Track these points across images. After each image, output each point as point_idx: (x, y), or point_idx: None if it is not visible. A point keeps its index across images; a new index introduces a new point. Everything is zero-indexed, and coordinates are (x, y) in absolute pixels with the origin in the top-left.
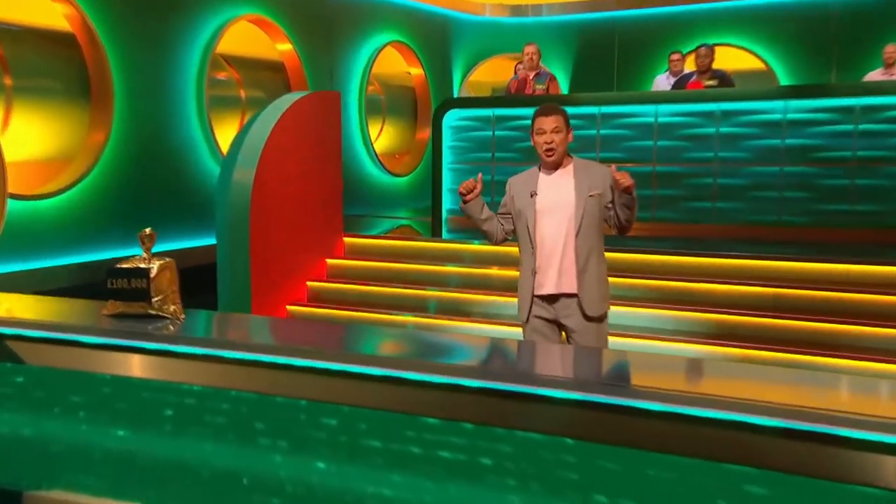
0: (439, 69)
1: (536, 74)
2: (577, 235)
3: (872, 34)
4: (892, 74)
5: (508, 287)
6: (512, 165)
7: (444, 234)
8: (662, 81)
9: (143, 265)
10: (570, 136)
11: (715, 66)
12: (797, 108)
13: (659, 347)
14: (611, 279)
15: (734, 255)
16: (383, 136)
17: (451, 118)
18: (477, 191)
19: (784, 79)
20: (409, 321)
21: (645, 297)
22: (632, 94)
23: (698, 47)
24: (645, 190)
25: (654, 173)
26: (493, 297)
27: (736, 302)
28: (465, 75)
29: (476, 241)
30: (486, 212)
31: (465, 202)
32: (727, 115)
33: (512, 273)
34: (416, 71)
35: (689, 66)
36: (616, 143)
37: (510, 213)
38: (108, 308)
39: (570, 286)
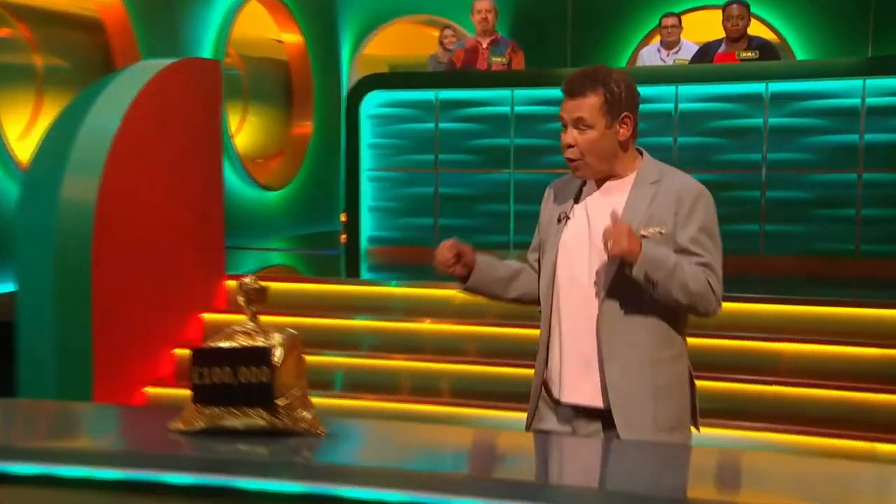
0: (322, 37)
1: (492, 42)
2: (609, 303)
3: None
4: None
5: (482, 351)
6: (465, 173)
7: (364, 274)
8: (653, 55)
9: (259, 341)
10: (623, 130)
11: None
12: (882, 89)
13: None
14: None
15: (794, 299)
16: (244, 131)
17: (372, 103)
18: (464, 260)
19: (800, 54)
20: (325, 403)
21: None
22: (639, 70)
23: (728, 4)
24: None
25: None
26: (457, 367)
27: (809, 369)
28: (356, 47)
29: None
30: (505, 268)
31: (464, 285)
32: (779, 99)
33: (485, 332)
34: (292, 38)
35: (691, 33)
36: None
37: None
38: (186, 418)
39: (594, 395)
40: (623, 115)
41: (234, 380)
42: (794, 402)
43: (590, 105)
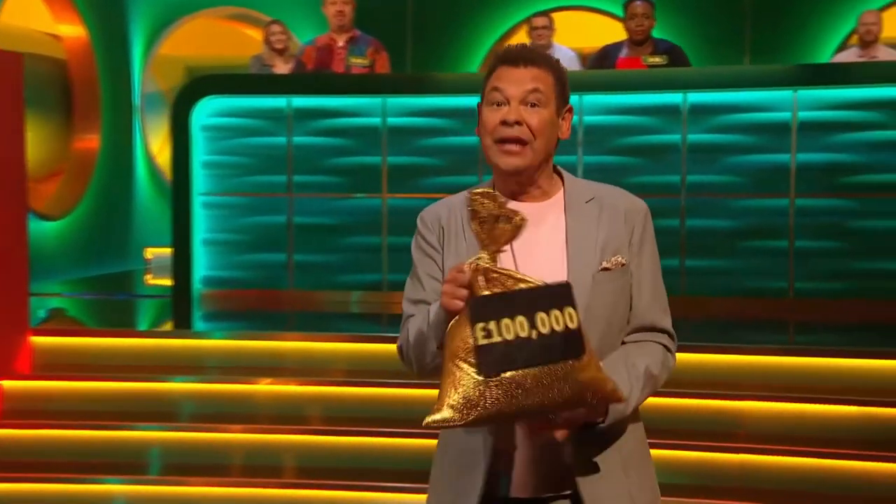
0: (110, 31)
1: (350, 39)
2: None
3: (793, 10)
4: (872, 55)
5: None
6: (327, 198)
7: (197, 325)
8: None
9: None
10: (565, 126)
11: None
12: (815, 101)
13: None
14: None
15: (749, 349)
16: None
17: (207, 112)
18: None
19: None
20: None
21: None
22: None
23: (630, 1)
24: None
25: None
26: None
27: (776, 433)
28: (150, 45)
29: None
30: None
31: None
32: (699, 112)
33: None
34: (72, 32)
35: (565, 36)
36: None
37: (432, 290)
38: (464, 403)
39: (556, 480)
40: (567, 106)
41: (532, 331)
42: (762, 473)
43: (543, 78)
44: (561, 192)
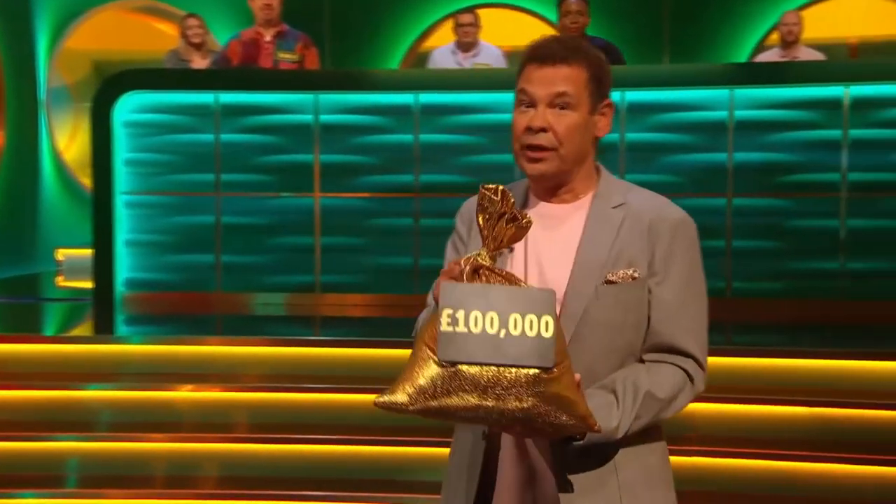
0: (12, 23)
1: (278, 34)
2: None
3: (711, 10)
4: (793, 55)
5: (250, 424)
6: (256, 197)
7: (119, 329)
8: (447, 58)
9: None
10: (603, 123)
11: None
12: (749, 101)
13: None
14: None
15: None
16: None
17: (129, 108)
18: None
19: None
20: None
21: None
22: (482, 72)
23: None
24: None
25: None
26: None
27: (727, 435)
28: (56, 38)
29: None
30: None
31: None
32: (636, 111)
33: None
34: None
35: (489, 34)
36: (449, 159)
37: None
38: (410, 387)
39: (541, 499)
40: (605, 101)
41: (502, 329)
42: (714, 475)
43: (574, 77)
44: (591, 195)
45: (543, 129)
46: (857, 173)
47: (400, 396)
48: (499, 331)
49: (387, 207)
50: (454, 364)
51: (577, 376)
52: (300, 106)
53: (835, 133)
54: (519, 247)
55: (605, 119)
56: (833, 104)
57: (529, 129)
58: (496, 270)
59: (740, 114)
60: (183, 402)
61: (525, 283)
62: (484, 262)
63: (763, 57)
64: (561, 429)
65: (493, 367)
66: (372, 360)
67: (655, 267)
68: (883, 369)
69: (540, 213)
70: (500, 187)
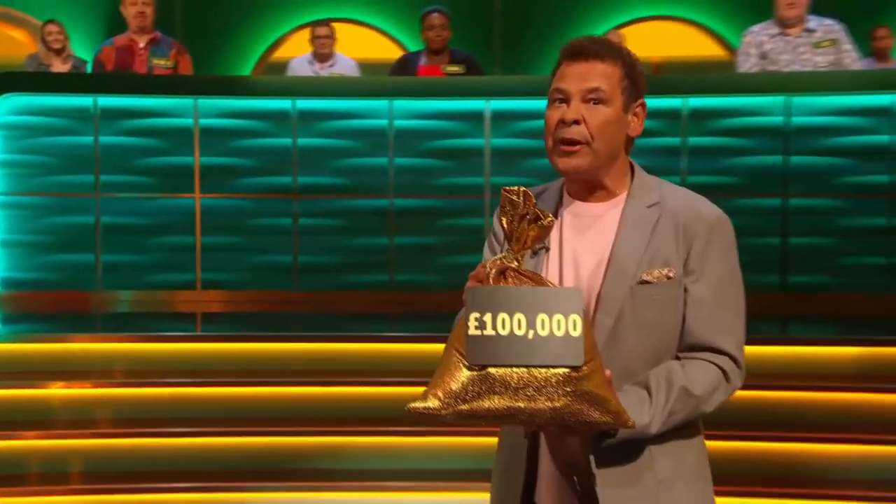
0: None
1: (152, 41)
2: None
3: (536, 27)
4: None
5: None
6: (137, 198)
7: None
8: (304, 68)
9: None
10: (636, 123)
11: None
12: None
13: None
14: None
15: None
16: None
17: (7, 110)
18: None
19: None
20: None
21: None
22: (348, 80)
23: (428, 13)
24: (380, 238)
25: (392, 210)
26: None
27: None
28: None
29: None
30: None
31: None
32: (500, 118)
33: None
34: None
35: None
36: (322, 161)
37: None
38: (444, 392)
39: (582, 496)
40: (639, 101)
41: (530, 330)
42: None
43: (608, 73)
44: (625, 194)
45: (576, 122)
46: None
47: (432, 402)
48: (527, 332)
49: (266, 208)
50: (484, 367)
51: (608, 373)
52: (180, 110)
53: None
54: (554, 248)
55: (637, 119)
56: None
57: (562, 123)
58: (522, 272)
59: None
60: (56, 399)
61: (554, 283)
62: (510, 264)
63: None
64: (593, 426)
65: (522, 369)
66: (253, 353)
67: (691, 266)
68: None
69: (574, 212)
70: (522, 189)
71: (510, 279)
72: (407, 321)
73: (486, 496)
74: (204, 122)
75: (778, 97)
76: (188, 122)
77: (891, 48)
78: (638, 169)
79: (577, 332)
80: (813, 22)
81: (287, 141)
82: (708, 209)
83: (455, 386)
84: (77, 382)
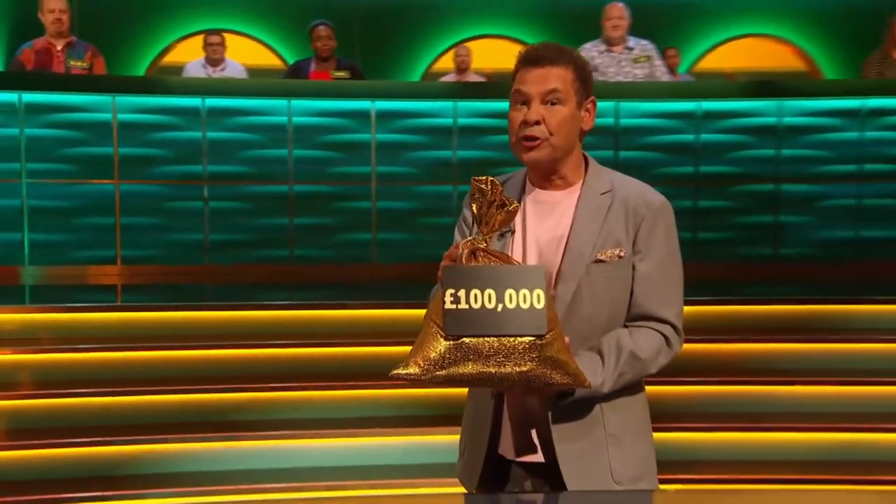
0: None
1: (68, 44)
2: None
3: (391, 39)
4: (465, 78)
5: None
6: (62, 184)
7: None
8: (198, 71)
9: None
10: (588, 118)
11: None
12: (468, 111)
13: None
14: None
15: (406, 303)
16: None
17: None
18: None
19: None
20: None
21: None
22: (252, 82)
23: (315, 26)
24: (281, 219)
25: (291, 194)
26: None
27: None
28: None
29: None
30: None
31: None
32: (384, 117)
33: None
34: None
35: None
36: (229, 152)
37: None
38: (424, 360)
39: (539, 449)
40: (589, 97)
41: (499, 304)
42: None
43: (562, 76)
44: (580, 183)
45: (538, 122)
46: None
47: (413, 369)
48: (496, 305)
49: (179, 193)
50: (459, 337)
51: (567, 340)
52: (100, 106)
53: None
54: (518, 230)
55: (589, 115)
56: None
57: (525, 123)
58: (491, 251)
59: (462, 121)
60: None
61: (520, 262)
62: (480, 245)
63: (444, 79)
64: (555, 387)
65: (493, 338)
66: (168, 320)
67: (638, 246)
68: None
69: (536, 199)
70: (490, 178)
71: (480, 258)
72: (304, 290)
73: (387, 440)
74: (122, 116)
75: (609, 102)
76: (107, 116)
77: (678, 65)
78: (591, 160)
79: (540, 305)
80: (632, 41)
81: (198, 134)
82: (653, 196)
83: (433, 354)
84: (4, 349)
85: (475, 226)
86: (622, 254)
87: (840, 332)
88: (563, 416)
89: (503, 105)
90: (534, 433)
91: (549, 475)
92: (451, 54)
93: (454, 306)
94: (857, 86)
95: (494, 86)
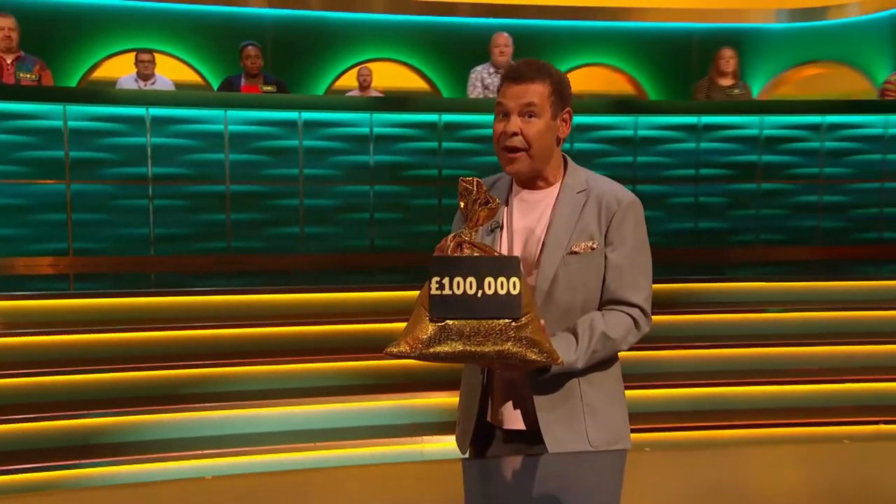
0: None
1: (17, 59)
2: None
3: (300, 54)
4: (368, 94)
5: None
6: (17, 184)
7: None
8: (131, 84)
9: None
10: (564, 127)
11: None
12: (383, 122)
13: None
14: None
15: (331, 287)
16: None
17: None
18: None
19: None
20: None
21: (219, 350)
22: (190, 94)
23: (245, 46)
24: (219, 215)
25: (228, 193)
26: None
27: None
28: None
29: None
30: None
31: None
32: (310, 126)
33: None
34: None
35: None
36: (172, 155)
37: None
38: (413, 338)
39: (523, 418)
40: (566, 109)
41: (479, 290)
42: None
43: (539, 91)
44: (561, 181)
45: (515, 133)
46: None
47: (403, 347)
48: (476, 291)
49: (126, 192)
50: (443, 320)
51: (542, 322)
52: (52, 114)
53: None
54: (505, 226)
55: (565, 124)
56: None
57: (504, 134)
58: (475, 244)
59: (378, 130)
60: None
61: (502, 253)
62: (466, 238)
63: (350, 94)
64: (531, 363)
65: (473, 320)
66: (117, 306)
67: (610, 238)
68: None
69: (521, 198)
70: (476, 179)
71: (466, 250)
72: (240, 278)
73: (319, 407)
74: (73, 124)
75: None
76: (59, 123)
77: None
78: (570, 161)
79: (516, 291)
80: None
81: (143, 139)
82: (623, 193)
83: (421, 335)
84: None
85: (463, 221)
86: (594, 246)
87: (698, 304)
88: (544, 389)
89: (413, 117)
90: (517, 404)
91: (531, 441)
92: (352, 73)
93: (439, 292)
94: (694, 106)
95: (405, 100)
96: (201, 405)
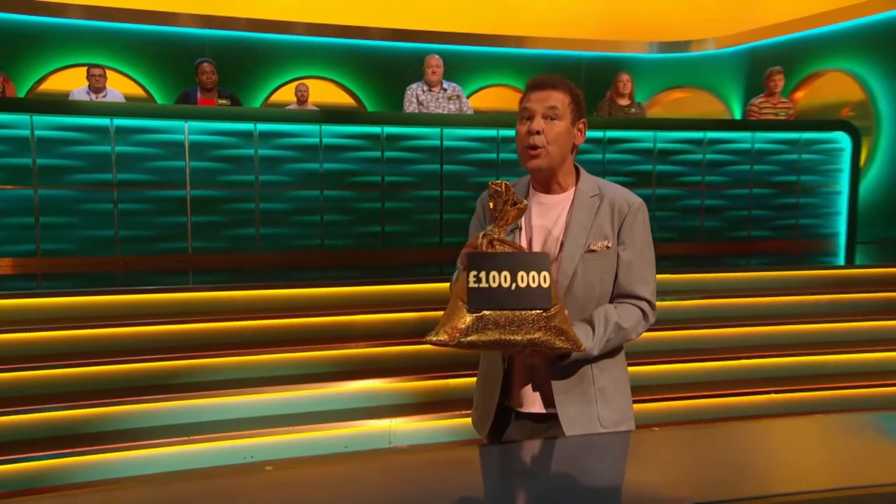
0: None
1: None
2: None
3: (241, 69)
4: (308, 107)
5: None
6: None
7: None
8: (83, 96)
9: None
10: (579, 135)
11: None
12: (331, 133)
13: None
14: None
15: (285, 284)
16: None
17: None
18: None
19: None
20: None
21: (202, 342)
22: (154, 107)
23: (201, 63)
24: (180, 218)
25: (188, 198)
26: None
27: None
28: None
29: None
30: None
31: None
32: (265, 136)
33: None
34: None
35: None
36: (135, 163)
37: None
38: (452, 328)
39: (541, 402)
40: (582, 119)
41: (513, 284)
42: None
43: (560, 98)
44: (574, 188)
45: (538, 132)
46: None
47: (442, 336)
48: (510, 284)
49: (92, 196)
50: (480, 311)
51: (566, 313)
52: (19, 123)
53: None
54: (524, 227)
55: (580, 133)
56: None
57: (528, 133)
58: (505, 241)
59: (327, 140)
60: None
61: (527, 250)
62: (496, 236)
63: (289, 108)
64: (557, 350)
65: (508, 311)
66: (83, 303)
67: (621, 238)
68: None
69: (538, 201)
70: (504, 182)
71: (497, 246)
72: (201, 276)
73: (284, 394)
74: (40, 133)
75: (435, 129)
76: (26, 133)
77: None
78: (582, 170)
79: (546, 284)
80: (446, 84)
81: (107, 148)
82: (632, 197)
83: (459, 325)
84: None
85: (492, 221)
86: (608, 245)
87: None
88: (561, 374)
89: (359, 129)
90: (536, 388)
91: (547, 423)
92: (287, 88)
93: (476, 285)
94: (600, 122)
95: (352, 114)
96: (168, 395)
